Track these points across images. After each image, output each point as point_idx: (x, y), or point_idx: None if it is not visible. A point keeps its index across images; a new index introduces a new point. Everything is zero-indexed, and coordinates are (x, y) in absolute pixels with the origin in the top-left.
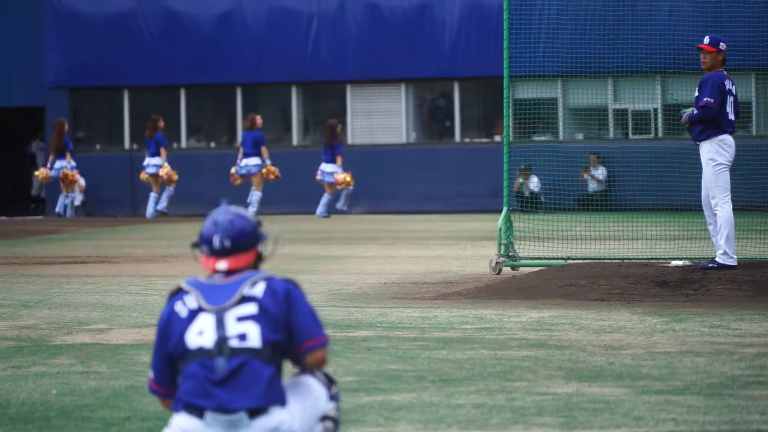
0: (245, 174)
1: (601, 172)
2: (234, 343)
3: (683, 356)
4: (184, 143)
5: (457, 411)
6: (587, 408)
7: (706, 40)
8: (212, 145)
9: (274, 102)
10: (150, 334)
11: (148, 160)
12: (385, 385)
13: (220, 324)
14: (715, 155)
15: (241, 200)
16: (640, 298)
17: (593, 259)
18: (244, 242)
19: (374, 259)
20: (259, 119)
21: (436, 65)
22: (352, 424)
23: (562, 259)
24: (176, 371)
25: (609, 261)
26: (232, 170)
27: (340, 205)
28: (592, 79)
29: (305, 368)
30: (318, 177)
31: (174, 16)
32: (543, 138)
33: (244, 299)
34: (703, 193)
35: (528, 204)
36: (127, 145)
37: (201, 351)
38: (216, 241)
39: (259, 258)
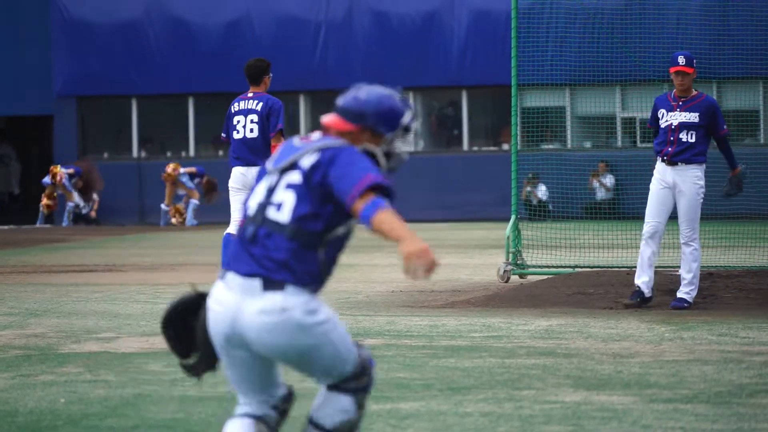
0: None
1: (609, 180)
2: (271, 211)
3: (691, 364)
4: (192, 152)
5: (464, 419)
6: (595, 416)
7: (682, 60)
8: (220, 153)
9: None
10: (157, 343)
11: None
12: (393, 393)
13: (270, 188)
14: (701, 180)
15: None
16: (648, 307)
17: (601, 267)
18: (356, 113)
19: (382, 267)
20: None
21: (444, 74)
22: None
23: (570, 267)
24: None
25: (617, 269)
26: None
27: None
28: (599, 88)
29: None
30: None
31: (182, 25)
32: (551, 146)
33: (295, 166)
34: (658, 222)
35: (536, 212)
36: (135, 153)
37: (247, 216)
38: (340, 98)
39: (371, 140)
